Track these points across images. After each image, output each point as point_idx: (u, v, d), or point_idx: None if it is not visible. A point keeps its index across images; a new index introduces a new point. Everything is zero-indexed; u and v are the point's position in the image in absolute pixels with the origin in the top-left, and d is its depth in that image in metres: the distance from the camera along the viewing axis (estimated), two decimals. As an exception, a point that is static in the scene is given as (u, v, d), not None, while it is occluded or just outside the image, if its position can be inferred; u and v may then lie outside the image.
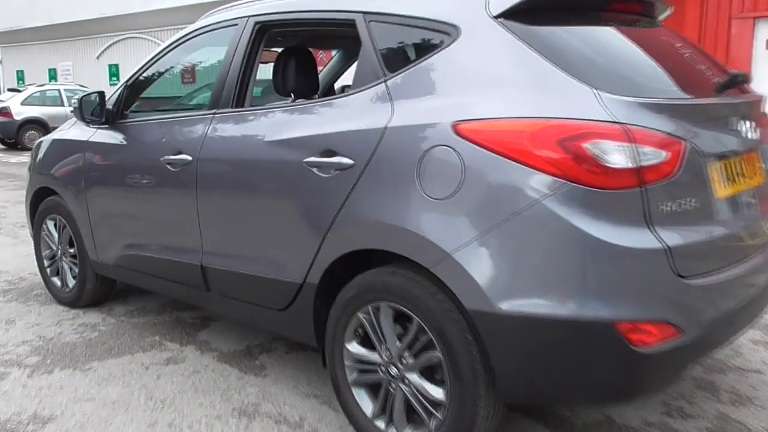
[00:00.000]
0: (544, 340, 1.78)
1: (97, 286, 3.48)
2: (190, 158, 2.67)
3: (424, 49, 2.10)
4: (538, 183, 1.75)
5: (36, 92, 15.40)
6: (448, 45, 2.03)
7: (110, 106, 3.17)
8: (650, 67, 2.14)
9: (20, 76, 24.09)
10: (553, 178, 1.73)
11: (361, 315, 2.16)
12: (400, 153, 2.00)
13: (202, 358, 2.92)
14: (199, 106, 3.51)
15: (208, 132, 2.64)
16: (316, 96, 3.07)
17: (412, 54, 2.15)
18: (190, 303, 3.01)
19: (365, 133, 2.10)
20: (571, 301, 1.73)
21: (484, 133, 1.84)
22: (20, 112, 14.74)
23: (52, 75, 22.72)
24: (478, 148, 1.83)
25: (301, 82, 2.72)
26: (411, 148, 1.97)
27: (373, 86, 2.16)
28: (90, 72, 20.83)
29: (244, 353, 2.97)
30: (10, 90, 16.95)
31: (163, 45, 3.11)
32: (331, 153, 2.17)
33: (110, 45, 20.68)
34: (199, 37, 2.99)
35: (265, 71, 2.86)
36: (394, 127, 2.03)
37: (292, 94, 2.77)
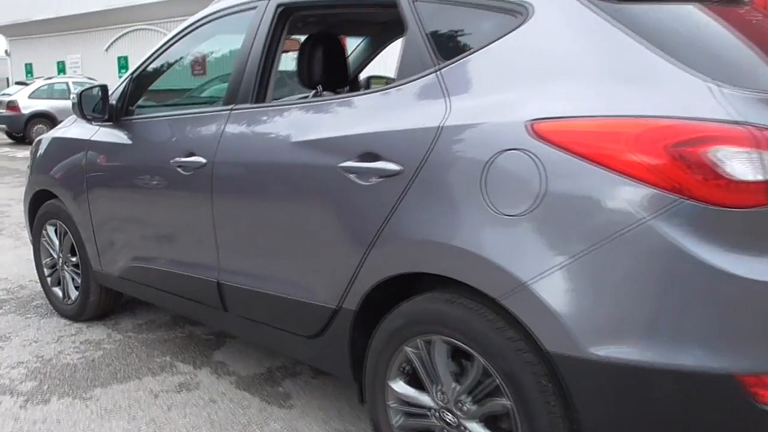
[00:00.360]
0: (647, 394, 1.43)
1: (102, 299, 3.17)
2: (203, 161, 2.33)
3: (487, 32, 1.74)
4: (641, 198, 1.40)
5: (44, 85, 15.14)
6: (518, 27, 1.67)
7: (114, 101, 2.84)
8: (759, 53, 1.77)
9: (29, 69, 23.88)
10: (662, 192, 1.38)
11: (408, 349, 1.82)
12: (460, 158, 1.65)
13: (219, 384, 2.59)
14: (213, 102, 3.18)
15: (225, 131, 2.30)
16: (346, 89, 2.74)
17: (470, 38, 1.79)
18: (206, 324, 2.69)
19: (415, 134, 1.75)
20: (682, 347, 1.38)
21: (570, 134, 1.49)
22: (28, 105, 14.48)
23: (61, 68, 22.49)
24: (562, 152, 1.48)
25: (330, 73, 2.38)
26: (474, 153, 1.62)
27: (422, 77, 1.81)
28: (99, 64, 20.57)
29: (265, 378, 2.65)
30: (17, 83, 16.72)
31: (172, 33, 2.77)
32: (373, 157, 1.83)
33: (119, 37, 20.41)
34: (212, 23, 2.65)
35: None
36: (451, 127, 1.68)
37: (318, 87, 2.44)
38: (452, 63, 1.76)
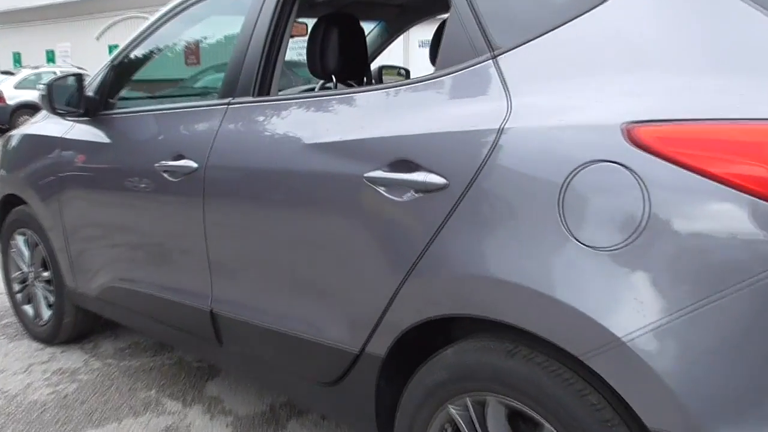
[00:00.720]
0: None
1: (78, 320, 2.77)
2: (194, 165, 1.94)
3: (559, 8, 1.35)
4: (793, 231, 1.03)
5: (31, 75, 14.61)
6: (602, 1, 1.29)
7: (91, 93, 2.44)
8: None
9: (17, 59, 23.35)
10: (823, 223, 1.01)
11: (453, 409, 1.44)
12: (528, 171, 1.27)
13: (213, 427, 2.21)
14: (207, 95, 2.79)
15: (221, 130, 1.91)
16: (364, 81, 2.37)
17: (537, 16, 1.39)
18: (198, 357, 2.31)
19: (465, 138, 1.36)
20: None
21: (685, 142, 1.11)
22: (14, 96, 13.95)
23: (50, 57, 21.98)
24: (673, 167, 1.11)
25: (348, 61, 2.00)
26: (548, 165, 1.24)
27: (472, 66, 1.42)
28: (90, 53, 20.06)
29: (267, 418, 2.26)
30: (3, 72, 16.20)
31: (158, 14, 2.37)
32: (408, 166, 1.44)
33: (111, 25, 19.91)
34: (205, 2, 2.26)
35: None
36: (514, 130, 1.30)
37: (333, 77, 2.06)
38: (513, 48, 1.37)
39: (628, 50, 1.24)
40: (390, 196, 1.47)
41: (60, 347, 2.86)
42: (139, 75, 2.53)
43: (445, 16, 2.94)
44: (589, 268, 1.18)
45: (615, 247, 1.15)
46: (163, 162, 2.04)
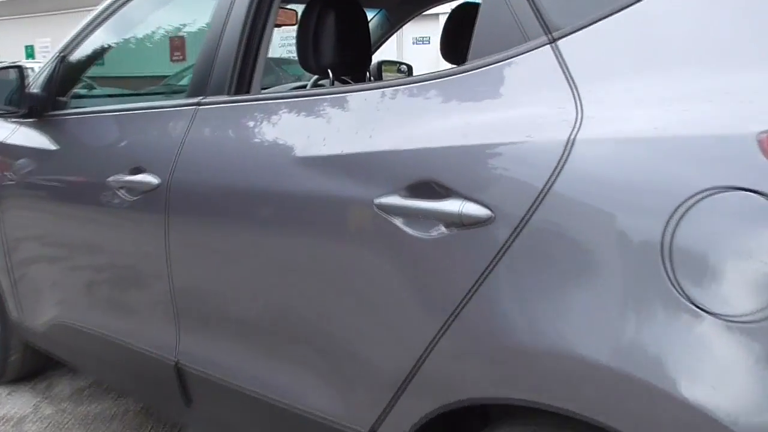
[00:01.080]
0: None
1: (27, 356, 2.36)
2: (155, 181, 1.55)
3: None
4: None
5: (6, 71, 14.08)
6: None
7: (37, 90, 2.04)
8: None
9: (-5, 55, 22.68)
10: None
11: None
12: (615, 203, 0.89)
13: (181, 496, 1.82)
14: (172, 93, 2.39)
15: (188, 137, 1.52)
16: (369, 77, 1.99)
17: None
18: (164, 416, 1.91)
19: (517, 153, 0.99)
20: None
21: None
22: (-11, 93, 13.42)
23: (30, 53, 21.35)
24: None
25: (348, 53, 1.62)
26: (646, 194, 0.87)
27: (522, 54, 1.04)
28: (71, 51, 19.51)
29: (247, 482, 1.87)
30: (-21, 69, 15.66)
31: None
32: (435, 190, 1.06)
33: (92, 21, 19.35)
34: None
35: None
36: (589, 143, 0.92)
37: (329, 72, 1.68)
38: (579, 29, 1.00)
39: (751, 26, 0.87)
40: (410, 231, 1.09)
41: (6, 388, 2.44)
42: (95, 69, 2.13)
43: (448, 7, 2.58)
44: (716, 345, 0.81)
45: (756, 317, 0.78)
46: (119, 176, 1.65)
